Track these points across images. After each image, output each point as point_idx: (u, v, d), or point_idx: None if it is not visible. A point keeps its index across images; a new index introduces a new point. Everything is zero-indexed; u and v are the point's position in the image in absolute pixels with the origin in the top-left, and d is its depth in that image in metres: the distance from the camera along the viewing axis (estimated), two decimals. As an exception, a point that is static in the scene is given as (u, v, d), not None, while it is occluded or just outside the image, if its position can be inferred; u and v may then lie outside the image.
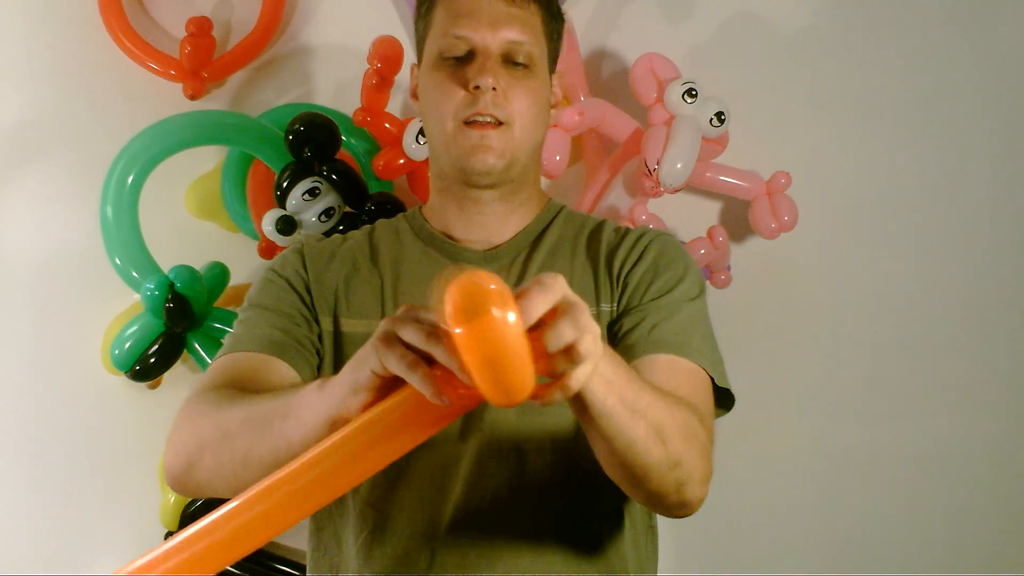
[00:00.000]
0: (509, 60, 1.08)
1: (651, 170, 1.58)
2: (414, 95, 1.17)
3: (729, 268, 1.74)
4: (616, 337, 1.06)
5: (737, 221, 1.79)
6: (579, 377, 0.71)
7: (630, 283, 1.09)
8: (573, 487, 1.05)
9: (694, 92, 1.60)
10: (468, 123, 1.06)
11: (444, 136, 1.08)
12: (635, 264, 1.10)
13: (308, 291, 1.10)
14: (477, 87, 1.05)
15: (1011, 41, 1.81)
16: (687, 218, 1.78)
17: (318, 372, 1.07)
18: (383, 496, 1.04)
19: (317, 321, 1.09)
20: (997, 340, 1.83)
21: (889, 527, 1.84)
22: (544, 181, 1.80)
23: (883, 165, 1.81)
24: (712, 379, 1.05)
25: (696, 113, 1.60)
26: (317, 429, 0.80)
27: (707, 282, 1.73)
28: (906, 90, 1.81)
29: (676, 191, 1.64)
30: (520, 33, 1.09)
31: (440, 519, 1.03)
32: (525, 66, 1.09)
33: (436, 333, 0.69)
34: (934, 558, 1.82)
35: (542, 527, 1.04)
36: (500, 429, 1.04)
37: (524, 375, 0.65)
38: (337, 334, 1.09)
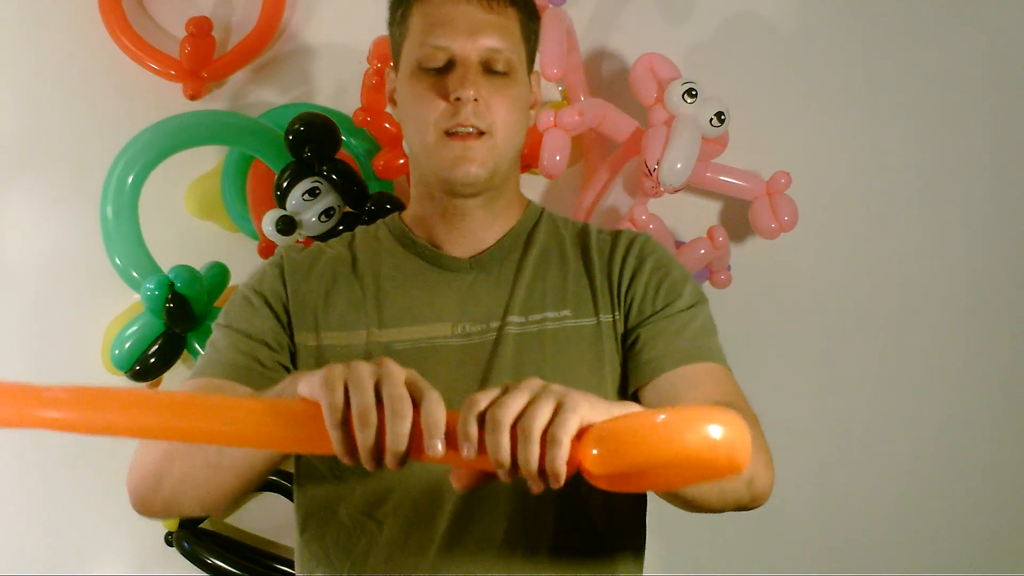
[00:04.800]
0: (488, 68, 1.07)
1: (651, 170, 1.58)
2: (391, 100, 1.15)
3: (729, 268, 1.74)
4: (632, 350, 1.07)
5: (737, 221, 1.79)
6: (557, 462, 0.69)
7: (635, 296, 1.09)
8: (566, 505, 1.04)
9: (694, 92, 1.60)
10: (450, 134, 1.05)
11: (425, 146, 1.07)
12: (634, 275, 1.10)
13: (286, 309, 1.09)
14: (458, 98, 1.04)
15: (1011, 41, 1.82)
16: (687, 218, 1.78)
17: None
18: (376, 504, 1.04)
19: (293, 338, 1.08)
20: (998, 339, 1.84)
21: (889, 527, 1.84)
22: (544, 181, 1.80)
23: (883, 165, 1.82)
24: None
25: (696, 113, 1.60)
26: None
27: (708, 281, 1.74)
28: (906, 89, 1.81)
29: (676, 191, 1.64)
30: (499, 40, 1.07)
31: (434, 532, 1.02)
32: (505, 74, 1.07)
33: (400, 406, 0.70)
34: (935, 559, 1.82)
35: (539, 538, 1.03)
36: None
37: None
38: (319, 347, 1.07)
